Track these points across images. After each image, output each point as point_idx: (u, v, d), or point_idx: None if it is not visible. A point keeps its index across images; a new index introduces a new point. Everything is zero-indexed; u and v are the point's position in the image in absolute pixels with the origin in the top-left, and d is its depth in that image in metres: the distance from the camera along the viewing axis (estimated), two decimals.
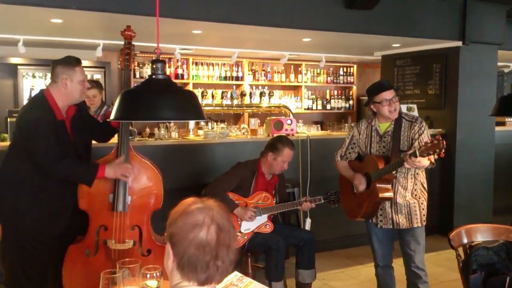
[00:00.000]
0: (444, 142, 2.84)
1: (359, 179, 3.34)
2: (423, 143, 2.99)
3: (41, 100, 3.02)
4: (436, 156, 2.92)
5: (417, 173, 3.29)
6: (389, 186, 3.23)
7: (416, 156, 2.91)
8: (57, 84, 3.01)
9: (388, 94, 3.23)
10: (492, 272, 2.73)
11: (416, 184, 3.30)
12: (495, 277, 2.71)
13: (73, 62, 3.03)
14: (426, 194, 3.36)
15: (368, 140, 3.37)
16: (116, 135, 3.26)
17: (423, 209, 3.31)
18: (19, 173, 2.98)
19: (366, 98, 3.42)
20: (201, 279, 1.44)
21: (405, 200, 3.27)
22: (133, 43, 3.20)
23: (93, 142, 3.38)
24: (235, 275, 1.70)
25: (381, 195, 3.21)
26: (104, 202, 3.02)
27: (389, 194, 3.23)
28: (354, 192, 3.45)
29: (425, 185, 3.37)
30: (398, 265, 3.52)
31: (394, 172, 3.18)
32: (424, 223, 3.33)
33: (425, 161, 3.01)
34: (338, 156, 3.55)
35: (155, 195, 3.10)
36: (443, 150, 2.84)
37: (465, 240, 2.81)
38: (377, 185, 3.21)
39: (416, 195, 3.30)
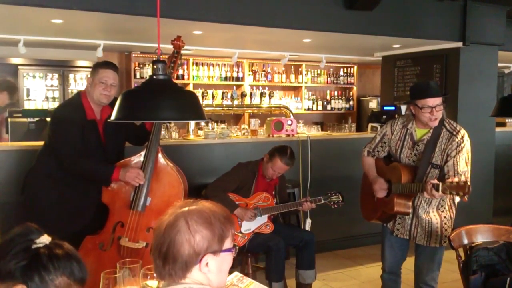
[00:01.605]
0: (470, 188, 2.59)
1: (380, 185, 3.13)
2: (449, 180, 2.67)
3: (75, 99, 3.19)
4: (458, 199, 2.68)
5: None
6: (408, 203, 3.01)
7: (437, 190, 2.66)
8: (86, 84, 3.19)
9: (433, 101, 2.88)
10: (493, 273, 2.74)
11: (443, 200, 3.03)
12: (495, 278, 2.71)
13: (101, 63, 3.17)
14: (455, 210, 3.09)
15: (400, 144, 3.09)
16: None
17: (445, 229, 3.02)
18: (48, 168, 3.12)
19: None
20: None
21: (428, 215, 3.03)
22: (181, 52, 3.27)
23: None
24: (236, 275, 1.70)
25: (397, 209, 3.01)
26: (125, 198, 3.09)
27: (407, 210, 3.01)
28: (373, 194, 3.23)
29: (455, 201, 3.08)
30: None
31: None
32: (445, 244, 3.03)
33: (455, 197, 2.76)
34: (366, 151, 3.28)
35: (174, 201, 3.10)
36: (467, 196, 2.60)
37: (465, 241, 2.81)
38: (396, 199, 3.00)
39: (443, 211, 3.05)
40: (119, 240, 3.04)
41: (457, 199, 2.88)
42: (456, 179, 2.68)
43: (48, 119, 4.16)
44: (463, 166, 2.93)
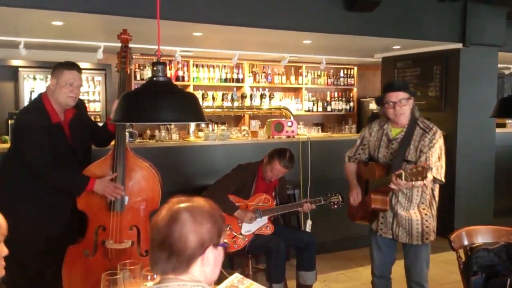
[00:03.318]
0: (427, 171, 2.72)
1: (355, 194, 3.26)
2: (408, 167, 2.82)
3: (38, 103, 3.06)
4: (418, 183, 2.76)
5: (426, 185, 3.03)
6: (385, 198, 3.06)
7: (401, 179, 2.75)
8: (48, 86, 3.08)
9: (395, 96, 3.00)
10: (493, 273, 2.73)
11: (423, 197, 3.08)
12: (496, 279, 2.70)
13: (63, 64, 3.06)
14: (435, 209, 3.13)
15: (377, 144, 3.19)
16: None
17: (427, 226, 3.07)
18: (17, 174, 3.02)
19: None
20: None
21: (407, 213, 3.07)
22: (129, 46, 3.21)
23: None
24: (236, 276, 1.70)
25: (373, 206, 3.08)
26: (102, 202, 3.04)
27: (383, 206, 3.07)
28: (349, 198, 3.36)
29: (436, 198, 3.14)
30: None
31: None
32: (427, 241, 3.09)
33: (416, 184, 2.81)
34: (347, 157, 3.38)
35: (152, 196, 3.11)
36: (425, 180, 2.71)
37: (465, 242, 2.80)
38: (372, 195, 3.08)
39: (423, 208, 3.08)
40: (104, 244, 3.00)
41: (435, 188, 3.01)
42: (415, 166, 2.78)
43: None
44: (435, 160, 2.98)
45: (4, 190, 3.04)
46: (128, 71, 3.29)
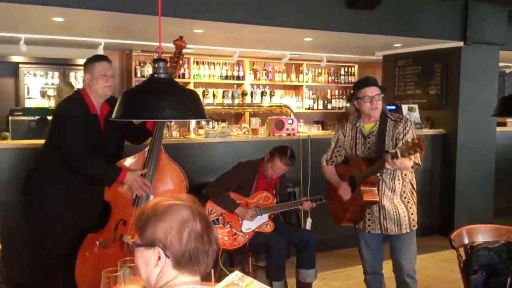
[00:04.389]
0: (425, 141, 2.75)
1: (343, 189, 3.26)
2: (404, 142, 2.93)
3: (77, 95, 3.21)
4: (417, 155, 2.86)
5: (405, 174, 3.18)
6: (374, 189, 3.12)
7: (397, 157, 2.82)
8: (84, 81, 3.20)
9: (371, 91, 3.12)
10: (493, 272, 2.73)
11: (405, 186, 3.19)
12: (496, 277, 2.70)
13: (93, 58, 3.20)
14: (416, 196, 3.25)
15: (353, 142, 3.27)
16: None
17: (412, 213, 3.19)
18: (53, 168, 3.12)
19: None
20: (203, 269, 1.47)
21: (392, 203, 3.16)
22: (183, 52, 3.27)
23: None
24: (236, 274, 1.69)
25: (365, 198, 3.10)
26: (127, 196, 3.10)
27: (374, 198, 3.12)
28: (339, 197, 3.34)
29: (415, 186, 3.26)
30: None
31: (378, 174, 3.09)
32: (414, 228, 3.21)
33: (407, 162, 2.91)
34: (324, 161, 3.47)
35: None
36: (424, 149, 2.75)
37: (466, 241, 2.80)
38: (362, 188, 3.10)
39: (405, 197, 3.19)
40: (121, 237, 3.05)
41: (419, 158, 3.06)
42: (408, 140, 2.91)
43: (49, 118, 4.18)
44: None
45: (41, 183, 3.15)
46: (176, 76, 3.36)
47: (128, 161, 3.16)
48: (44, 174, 3.17)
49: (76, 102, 3.14)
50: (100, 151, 3.13)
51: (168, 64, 3.22)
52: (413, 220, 3.20)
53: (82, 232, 3.11)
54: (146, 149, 3.14)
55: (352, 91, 3.27)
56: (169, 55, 3.19)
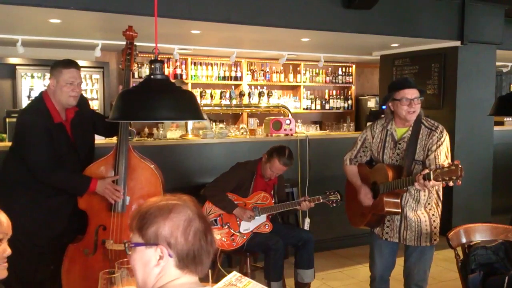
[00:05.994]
0: (462, 169, 2.55)
1: (365, 195, 3.11)
2: (439, 165, 2.67)
3: (38, 102, 3.02)
4: (451, 184, 2.59)
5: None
6: (397, 201, 2.97)
7: (429, 179, 2.63)
8: (48, 86, 3.03)
9: (411, 93, 2.91)
10: (491, 271, 2.74)
11: (430, 198, 3.02)
12: (494, 276, 2.71)
13: (61, 63, 3.01)
14: (441, 207, 3.09)
15: (381, 145, 3.08)
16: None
17: (435, 227, 3.02)
18: (16, 175, 2.99)
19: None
20: (204, 270, 1.46)
21: (415, 215, 3.00)
22: (135, 43, 3.18)
23: (96, 142, 3.38)
24: (234, 275, 1.69)
25: (387, 209, 2.96)
26: (103, 202, 3.02)
27: (397, 210, 2.97)
28: (359, 200, 3.19)
29: (441, 197, 3.08)
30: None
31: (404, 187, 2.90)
32: (435, 242, 3.04)
33: (449, 183, 2.64)
34: (347, 160, 3.27)
35: (154, 196, 3.09)
36: (460, 179, 2.55)
37: (463, 240, 2.81)
38: (385, 198, 2.95)
39: (430, 209, 3.03)
40: (104, 243, 3.00)
41: (451, 184, 2.78)
42: (445, 164, 2.67)
43: None
44: (443, 159, 2.92)
45: (5, 190, 3.02)
46: (133, 69, 3.24)
47: (98, 167, 3.06)
48: (6, 182, 3.03)
49: (36, 112, 2.95)
50: (71, 158, 3.03)
51: (123, 58, 3.11)
52: (435, 234, 3.02)
53: (55, 240, 3.01)
54: (112, 152, 3.05)
55: (389, 90, 3.03)
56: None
